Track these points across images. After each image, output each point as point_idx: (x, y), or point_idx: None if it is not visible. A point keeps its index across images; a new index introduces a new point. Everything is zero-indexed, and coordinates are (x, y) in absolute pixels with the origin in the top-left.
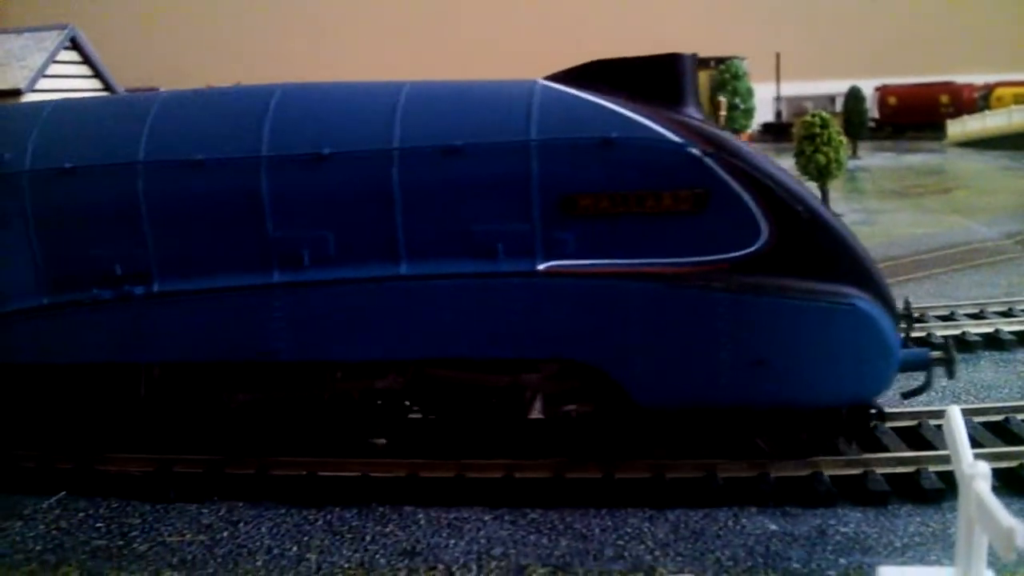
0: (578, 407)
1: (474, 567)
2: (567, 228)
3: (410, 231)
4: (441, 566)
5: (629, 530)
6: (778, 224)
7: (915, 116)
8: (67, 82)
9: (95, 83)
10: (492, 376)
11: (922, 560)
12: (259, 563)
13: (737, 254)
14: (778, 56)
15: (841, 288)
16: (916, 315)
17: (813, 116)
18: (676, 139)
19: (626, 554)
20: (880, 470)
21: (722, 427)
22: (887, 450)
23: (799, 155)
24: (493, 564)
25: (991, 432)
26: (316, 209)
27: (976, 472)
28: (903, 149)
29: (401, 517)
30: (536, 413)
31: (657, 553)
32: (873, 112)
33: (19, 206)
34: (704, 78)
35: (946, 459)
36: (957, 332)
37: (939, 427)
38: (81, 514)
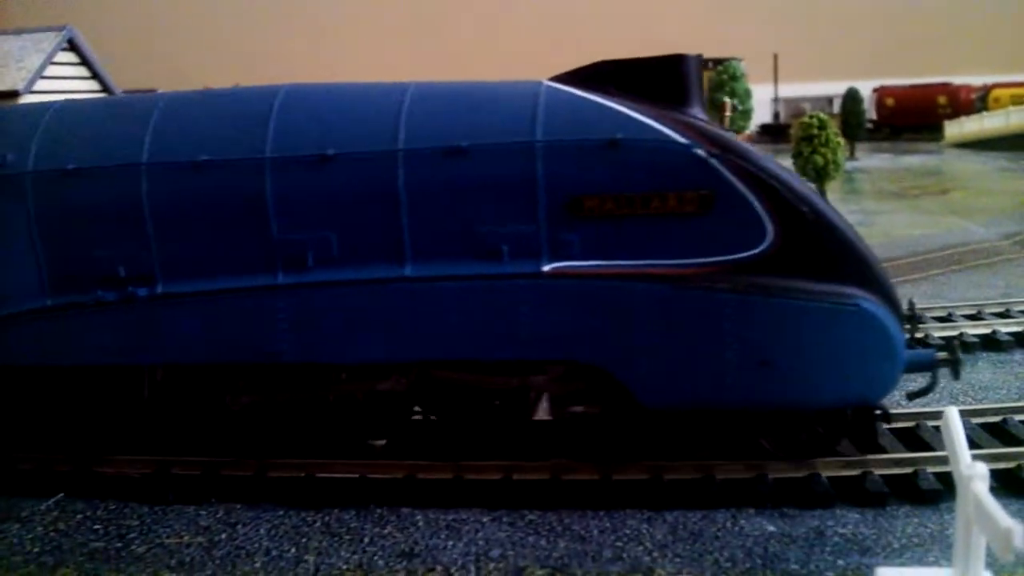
0: (586, 408)
1: (472, 568)
2: (573, 229)
3: (415, 232)
4: (439, 567)
5: (627, 531)
6: (783, 225)
7: (913, 117)
8: (65, 83)
9: (93, 84)
10: (497, 378)
11: (920, 561)
12: (257, 565)
13: (743, 255)
14: (776, 57)
15: (846, 289)
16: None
17: (811, 117)
18: (682, 140)
19: (624, 555)
20: (878, 471)
21: (727, 428)
22: (885, 451)
23: (797, 156)
24: (491, 566)
25: (989, 433)
26: (320, 210)
27: (974, 473)
28: (901, 150)
29: (399, 519)
30: (541, 415)
31: (655, 554)
32: (871, 113)
33: (22, 208)
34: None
35: (944, 460)
36: (955, 333)
37: (937, 428)
38: (79, 516)
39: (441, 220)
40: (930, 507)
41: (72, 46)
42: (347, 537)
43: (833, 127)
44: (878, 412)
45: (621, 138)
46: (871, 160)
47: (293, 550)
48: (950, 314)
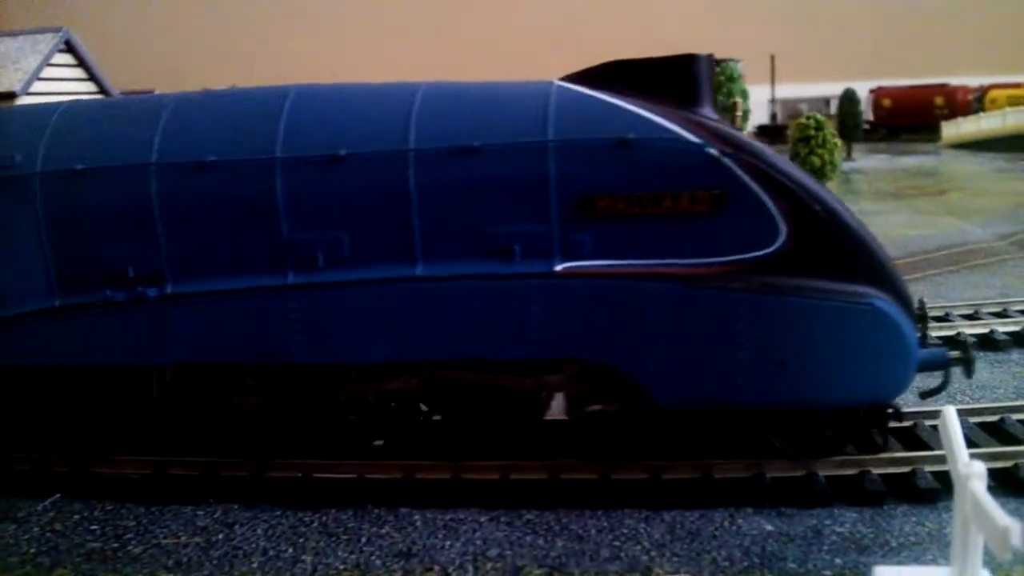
0: (604, 407)
1: (470, 568)
2: (584, 229)
3: (426, 232)
4: (437, 567)
5: (625, 531)
6: (796, 224)
7: (910, 118)
8: (62, 85)
9: (90, 86)
10: (510, 377)
11: (918, 560)
12: (255, 565)
13: (756, 254)
14: (773, 58)
15: (860, 288)
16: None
17: (808, 118)
18: (694, 139)
19: (622, 555)
20: (876, 470)
21: (738, 427)
22: (883, 450)
23: (794, 157)
24: (489, 565)
25: (986, 432)
26: (332, 210)
27: (972, 472)
28: (898, 151)
29: (397, 518)
30: (553, 414)
31: (653, 553)
32: (868, 114)
33: (30, 208)
34: None
35: (942, 459)
36: (952, 333)
37: (934, 427)
38: (76, 516)
39: (452, 220)
40: (928, 506)
41: (69, 47)
42: (344, 537)
43: (830, 128)
44: (890, 411)
45: (633, 138)
46: (868, 161)
47: (290, 550)
48: (947, 314)
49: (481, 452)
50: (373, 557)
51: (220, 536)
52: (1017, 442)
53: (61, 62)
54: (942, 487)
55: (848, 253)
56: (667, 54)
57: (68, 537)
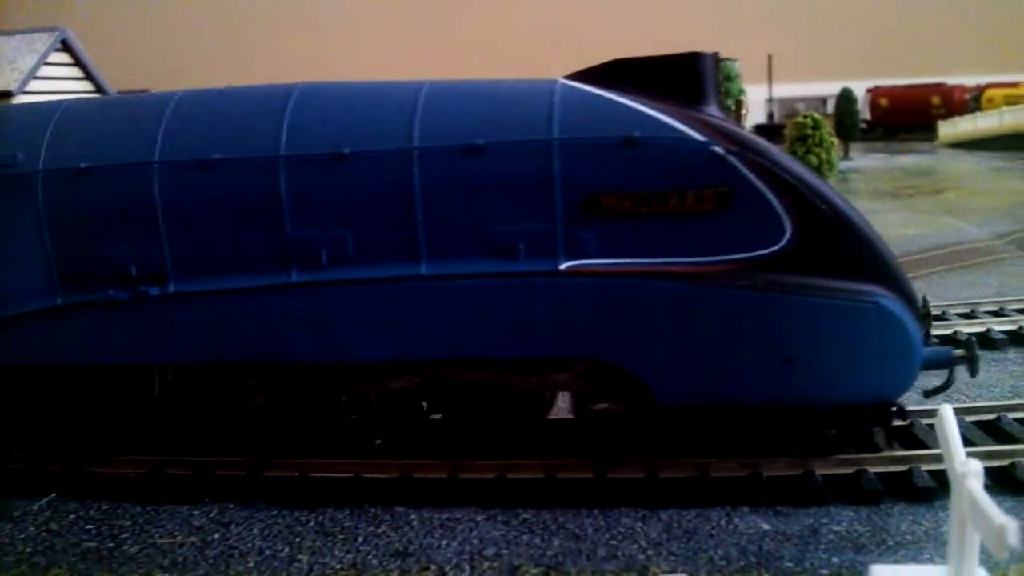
0: (610, 405)
1: (467, 567)
2: (590, 227)
3: (430, 231)
4: (434, 566)
5: (622, 530)
6: (802, 222)
7: (906, 117)
8: (58, 84)
9: (86, 85)
10: (516, 376)
11: (915, 559)
12: (251, 564)
13: (761, 252)
14: (770, 58)
15: (865, 286)
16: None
17: (805, 117)
18: (699, 138)
19: (619, 554)
20: (872, 469)
21: (742, 425)
22: (879, 449)
23: (791, 156)
24: (486, 564)
25: (983, 431)
26: (335, 209)
27: (968, 470)
28: (895, 150)
29: (393, 518)
30: (556, 413)
31: (650, 552)
32: (865, 113)
33: (32, 207)
34: None
35: (938, 458)
36: (949, 332)
37: (931, 426)
38: (71, 516)
39: (457, 218)
40: (925, 505)
41: (65, 47)
42: (341, 536)
43: (827, 127)
44: (894, 409)
45: (638, 136)
46: (865, 160)
47: (287, 550)
48: (944, 312)
49: (485, 451)
50: (370, 556)
51: (216, 536)
52: (1014, 441)
53: (57, 61)
54: (939, 486)
55: (853, 251)
56: (668, 53)
57: (64, 536)
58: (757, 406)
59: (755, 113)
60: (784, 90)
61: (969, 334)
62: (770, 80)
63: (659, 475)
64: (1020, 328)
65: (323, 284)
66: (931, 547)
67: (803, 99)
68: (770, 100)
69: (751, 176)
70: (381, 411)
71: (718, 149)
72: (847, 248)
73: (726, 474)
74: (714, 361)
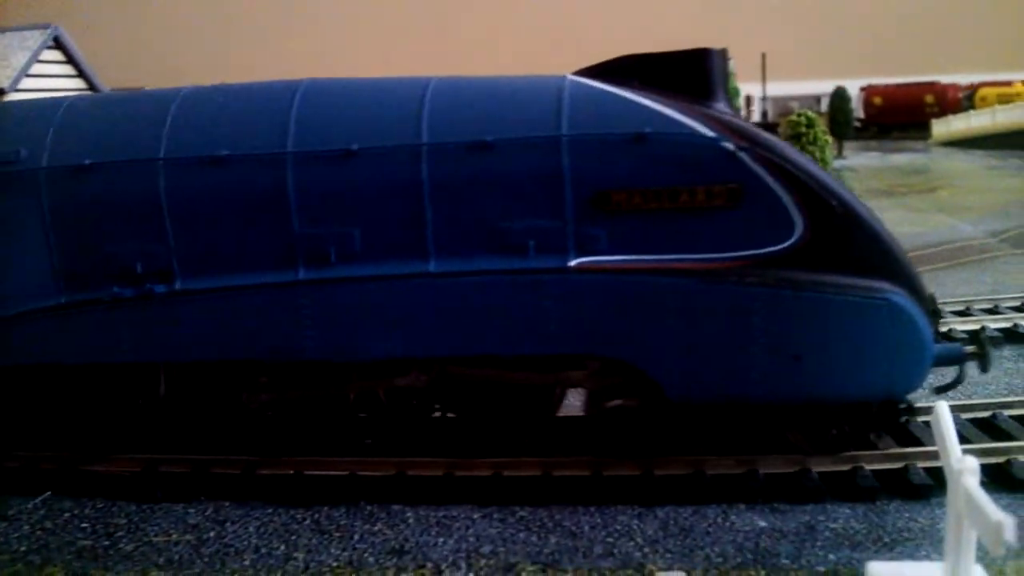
0: (624, 402)
1: (463, 565)
2: (599, 224)
3: (439, 228)
4: (430, 564)
5: (618, 527)
6: (812, 218)
7: (900, 116)
8: (50, 81)
9: (79, 82)
10: (525, 374)
11: (911, 555)
12: (246, 562)
13: (771, 249)
14: (764, 56)
15: (875, 283)
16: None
17: (799, 116)
18: (709, 134)
19: (615, 551)
20: (869, 466)
21: (752, 422)
22: (876, 447)
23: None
24: (482, 562)
25: (979, 428)
26: (343, 205)
27: (964, 467)
28: (888, 149)
29: (389, 516)
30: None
31: (646, 550)
32: (859, 112)
33: (36, 203)
34: None
35: (935, 455)
36: (944, 330)
37: (927, 423)
38: (66, 514)
39: (465, 215)
40: (921, 502)
41: (58, 44)
42: (337, 534)
43: (821, 125)
44: (903, 406)
45: (648, 132)
46: (859, 158)
47: (282, 548)
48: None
49: (493, 450)
50: (366, 554)
51: (211, 534)
52: (1009, 438)
53: (50, 59)
54: (935, 483)
55: (864, 248)
56: (675, 49)
57: (59, 535)
58: (767, 403)
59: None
60: (778, 88)
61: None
62: (764, 78)
63: (655, 472)
64: (1015, 326)
65: (331, 281)
66: (928, 544)
67: (797, 97)
68: (764, 98)
69: (761, 172)
70: (389, 409)
71: (728, 145)
72: (858, 244)
73: (722, 471)
74: (724, 358)
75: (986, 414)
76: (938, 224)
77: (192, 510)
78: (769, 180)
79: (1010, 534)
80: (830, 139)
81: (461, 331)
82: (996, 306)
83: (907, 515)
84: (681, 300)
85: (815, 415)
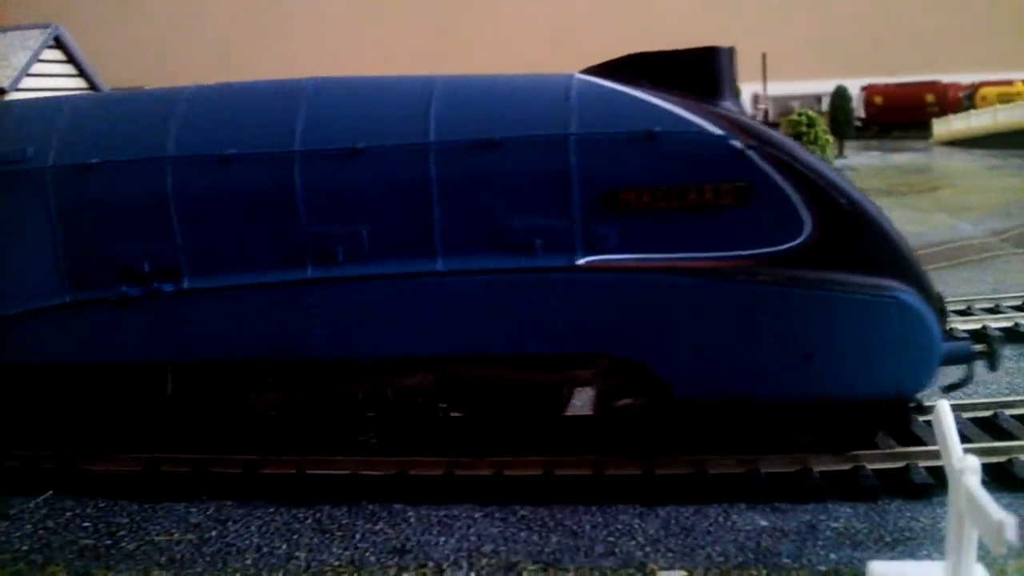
0: (634, 401)
1: (464, 564)
2: (607, 223)
3: (446, 226)
4: (431, 563)
5: (619, 526)
6: (821, 217)
7: (901, 115)
8: (51, 81)
9: (79, 82)
10: (533, 373)
11: (912, 555)
12: (248, 561)
13: (780, 247)
14: (764, 56)
15: (884, 281)
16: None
17: (799, 115)
18: (718, 132)
19: (617, 550)
20: (870, 465)
21: (759, 421)
22: (876, 446)
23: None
24: (484, 561)
25: (980, 428)
26: (351, 204)
27: (966, 466)
28: (889, 148)
29: (391, 515)
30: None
31: (648, 549)
32: (859, 111)
33: (42, 202)
34: None
35: (936, 454)
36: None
37: (928, 423)
38: (68, 514)
39: (473, 214)
40: (922, 501)
41: (58, 44)
42: (338, 534)
43: (822, 125)
44: (912, 405)
45: (657, 131)
46: (860, 158)
47: (284, 547)
48: None
49: (496, 449)
50: (367, 553)
51: (213, 533)
52: (1011, 437)
53: (50, 58)
54: (936, 482)
55: (872, 246)
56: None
57: (61, 534)
58: (776, 402)
59: (750, 111)
60: (778, 88)
61: (989, 330)
62: (764, 78)
63: (657, 472)
64: (1016, 325)
65: (338, 280)
66: (929, 543)
67: (798, 97)
68: (765, 98)
69: (770, 170)
70: (397, 408)
71: (736, 143)
72: (866, 243)
73: (723, 471)
74: (733, 356)
75: (987, 413)
76: (939, 223)
77: (194, 509)
78: (778, 178)
79: (1011, 533)
80: (831, 139)
81: (469, 330)
82: (997, 305)
83: (908, 514)
84: (689, 299)
85: (824, 414)
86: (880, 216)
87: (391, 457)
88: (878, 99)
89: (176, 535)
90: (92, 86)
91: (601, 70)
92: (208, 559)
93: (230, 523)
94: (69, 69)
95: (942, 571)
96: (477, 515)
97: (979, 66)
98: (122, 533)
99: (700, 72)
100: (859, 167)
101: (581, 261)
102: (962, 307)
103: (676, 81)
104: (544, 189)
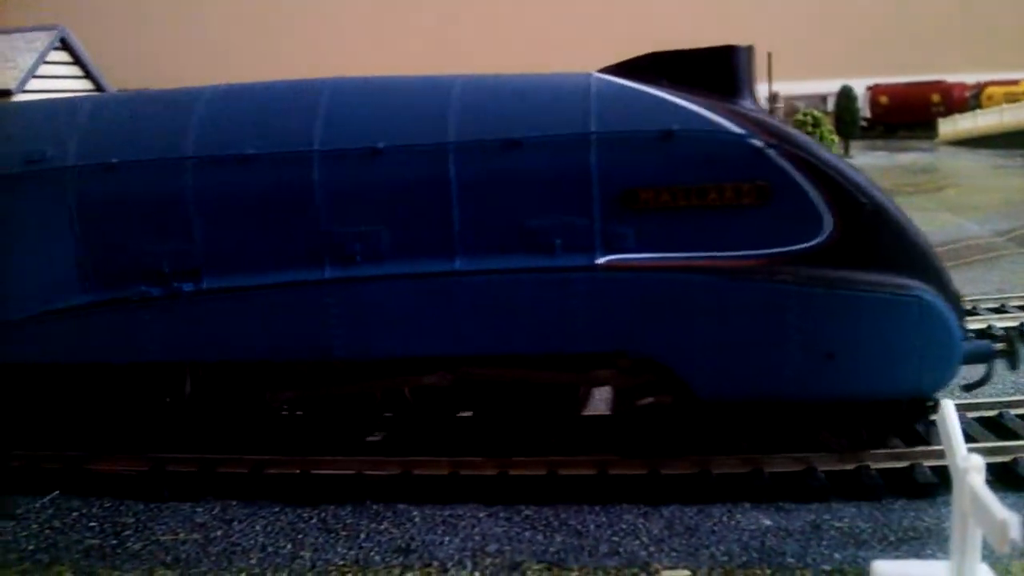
0: (656, 399)
1: (469, 564)
2: (627, 222)
3: (466, 226)
4: (436, 563)
5: (624, 526)
6: (842, 216)
7: (907, 115)
8: (57, 82)
9: (86, 83)
10: (552, 372)
11: (917, 554)
12: (253, 561)
13: (801, 246)
14: (769, 56)
15: (906, 280)
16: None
17: (805, 115)
18: (738, 131)
19: (621, 550)
20: (874, 465)
21: (779, 420)
22: (881, 445)
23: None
24: (488, 561)
25: (985, 427)
26: (370, 204)
27: (970, 466)
28: (895, 148)
29: (395, 514)
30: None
31: (652, 549)
32: (865, 111)
33: (62, 203)
34: None
35: (940, 454)
36: None
37: (933, 422)
38: (74, 513)
39: (492, 213)
40: (926, 500)
41: (64, 45)
42: (343, 533)
43: (827, 125)
44: (931, 403)
45: (676, 129)
46: (865, 158)
47: (289, 546)
48: None
49: (510, 449)
50: (372, 553)
51: (218, 532)
52: (1015, 437)
53: (57, 60)
54: (941, 482)
55: (894, 245)
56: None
57: (67, 534)
58: (796, 400)
59: None
60: (784, 88)
61: (1008, 328)
62: (770, 78)
63: (661, 472)
64: (1022, 324)
65: (357, 280)
66: (933, 543)
67: (803, 97)
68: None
69: (790, 169)
70: (415, 408)
71: (756, 142)
72: (887, 241)
73: (727, 470)
74: (753, 356)
75: (992, 413)
76: (945, 223)
77: (199, 509)
78: (797, 177)
79: (1016, 533)
80: (836, 138)
81: (487, 330)
82: (1003, 305)
83: (913, 514)
84: (710, 298)
85: (844, 413)
86: (900, 214)
87: (396, 457)
88: (884, 99)
89: (181, 535)
90: (99, 87)
91: (619, 69)
92: (213, 559)
93: (235, 523)
94: (75, 71)
95: (946, 570)
96: (481, 515)
97: (985, 66)
98: (128, 533)
99: (719, 71)
100: (865, 167)
101: (601, 260)
102: (968, 307)
103: (695, 80)
104: (564, 188)
